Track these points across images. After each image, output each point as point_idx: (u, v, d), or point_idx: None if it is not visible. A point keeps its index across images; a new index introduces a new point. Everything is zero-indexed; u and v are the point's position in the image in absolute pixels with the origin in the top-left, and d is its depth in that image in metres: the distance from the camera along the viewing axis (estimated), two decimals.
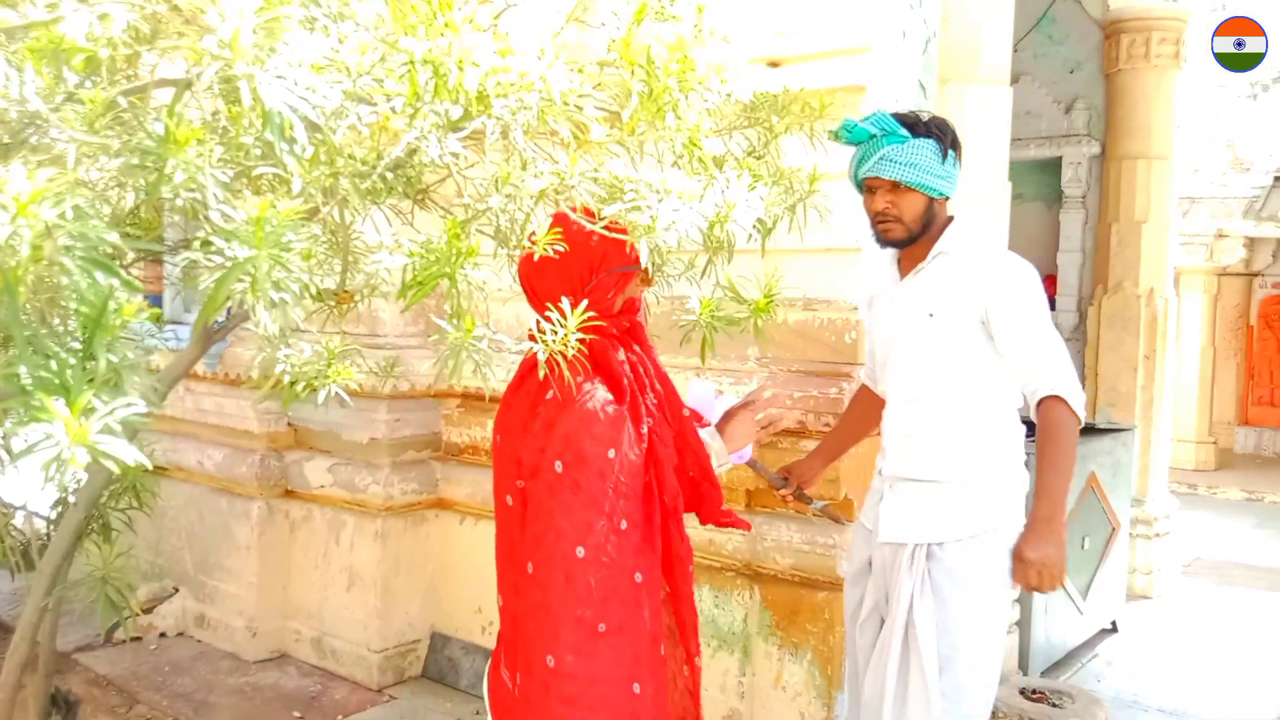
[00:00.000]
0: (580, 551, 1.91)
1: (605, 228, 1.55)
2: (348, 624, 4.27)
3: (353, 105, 1.24)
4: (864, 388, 2.84)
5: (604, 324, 1.89)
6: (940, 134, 2.37)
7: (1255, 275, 11.93)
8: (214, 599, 4.63)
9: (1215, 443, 11.37)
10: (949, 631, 2.39)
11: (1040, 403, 2.37)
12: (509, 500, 2.07)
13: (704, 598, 3.46)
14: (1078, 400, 2.36)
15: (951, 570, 2.40)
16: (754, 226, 1.81)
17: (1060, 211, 6.26)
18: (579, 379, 1.91)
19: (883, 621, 2.54)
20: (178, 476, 4.83)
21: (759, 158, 2.14)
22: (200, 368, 4.64)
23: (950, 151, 2.38)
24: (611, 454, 1.94)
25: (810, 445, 2.99)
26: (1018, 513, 2.46)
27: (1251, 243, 11.08)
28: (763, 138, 2.15)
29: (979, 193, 3.41)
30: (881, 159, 2.34)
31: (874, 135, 2.34)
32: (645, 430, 2.02)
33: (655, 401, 2.07)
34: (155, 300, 4.67)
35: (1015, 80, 5.93)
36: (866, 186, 2.44)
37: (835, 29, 3.18)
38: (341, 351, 2.02)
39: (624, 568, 1.95)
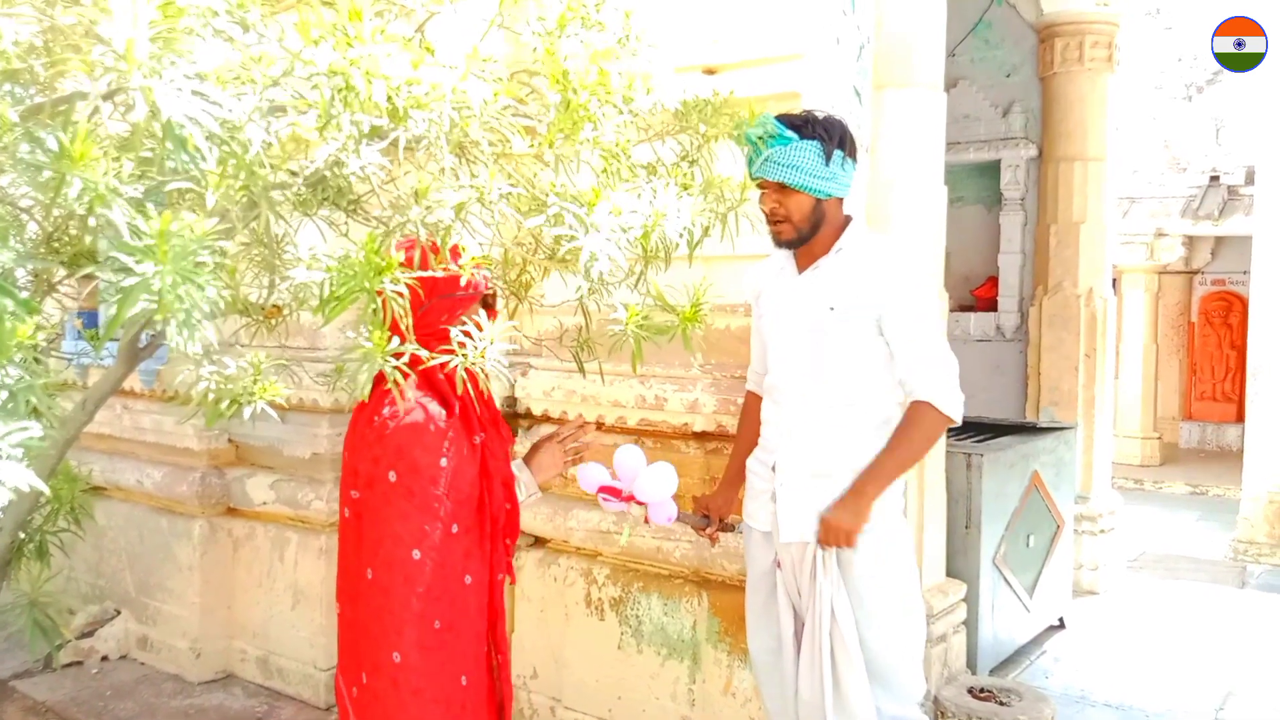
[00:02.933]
0: (416, 554, 2.08)
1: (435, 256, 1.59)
2: (294, 642, 4.21)
3: (262, 117, 1.22)
4: (749, 398, 2.89)
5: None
6: (826, 136, 2.43)
7: (1195, 273, 12.17)
8: (157, 620, 4.54)
9: (1160, 438, 11.58)
10: (870, 621, 2.51)
11: (914, 404, 2.50)
12: (346, 513, 2.22)
13: (653, 606, 3.45)
14: (951, 405, 2.48)
15: (861, 562, 2.50)
16: (680, 235, 1.81)
17: (1000, 214, 6.34)
18: (410, 395, 2.09)
19: (798, 621, 2.61)
20: (117, 496, 4.74)
21: (692, 163, 2.14)
22: (138, 385, 4.56)
23: (837, 152, 2.44)
24: (443, 462, 2.11)
25: None
26: (901, 500, 2.63)
27: (1190, 241, 11.30)
28: (695, 143, 2.15)
29: (916, 196, 3.44)
30: (766, 160, 2.40)
31: (760, 137, 2.38)
32: (478, 442, 2.18)
33: (488, 417, 2.24)
34: (91, 318, 4.57)
35: (953, 85, 6.02)
36: (759, 186, 2.48)
37: (769, 36, 3.20)
38: (271, 366, 1.99)
39: (455, 569, 2.13)
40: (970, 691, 3.37)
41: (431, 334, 2.03)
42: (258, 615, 4.34)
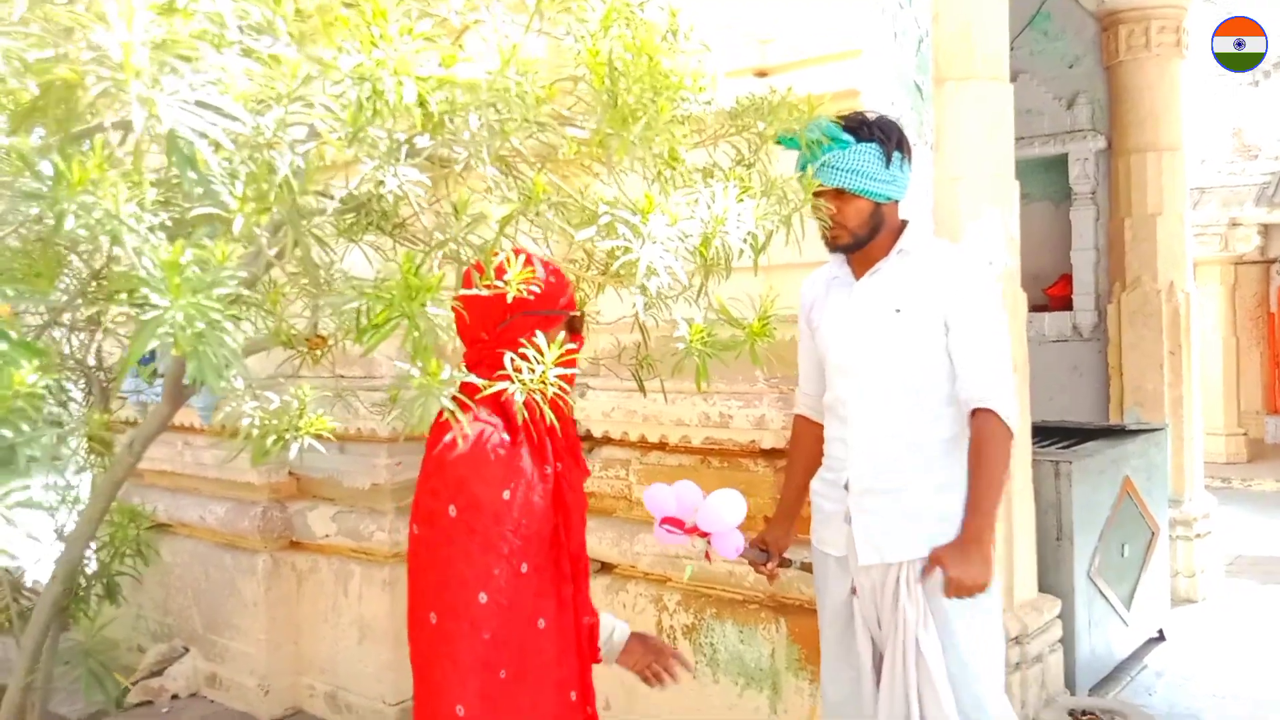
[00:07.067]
0: (483, 597, 1.90)
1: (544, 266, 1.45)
2: (361, 677, 4.13)
3: (284, 131, 1.12)
4: (799, 422, 2.74)
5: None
6: (885, 138, 2.33)
7: (1272, 262, 11.74)
8: (225, 657, 4.50)
9: (1245, 434, 11.17)
10: (955, 648, 2.35)
11: (973, 414, 2.34)
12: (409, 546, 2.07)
13: (728, 633, 3.31)
14: (1008, 412, 2.32)
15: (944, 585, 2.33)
16: (745, 241, 1.68)
17: (1070, 209, 6.12)
18: (472, 419, 1.87)
19: (876, 652, 2.46)
20: (181, 533, 4.72)
21: (749, 166, 2.02)
22: (197, 421, 4.53)
23: (896, 154, 2.34)
24: (506, 495, 1.91)
25: None
26: None
27: (1266, 229, 10.92)
28: (751, 145, 2.04)
29: (987, 192, 3.28)
30: (824, 165, 2.26)
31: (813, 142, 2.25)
32: (550, 471, 1.99)
33: (565, 445, 2.04)
34: (150, 355, 4.56)
35: (1014, 79, 5.80)
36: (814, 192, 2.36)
37: (823, 34, 3.07)
38: (323, 396, 1.89)
39: (524, 612, 1.93)
40: (1071, 714, 3.19)
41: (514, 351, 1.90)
42: (324, 650, 4.28)
